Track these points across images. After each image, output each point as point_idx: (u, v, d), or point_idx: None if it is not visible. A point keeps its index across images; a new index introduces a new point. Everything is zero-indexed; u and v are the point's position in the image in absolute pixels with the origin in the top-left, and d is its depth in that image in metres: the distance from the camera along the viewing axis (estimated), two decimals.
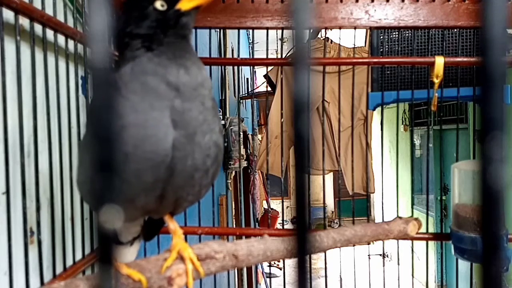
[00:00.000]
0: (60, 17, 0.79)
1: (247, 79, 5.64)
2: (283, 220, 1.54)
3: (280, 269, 5.62)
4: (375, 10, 1.18)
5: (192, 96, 0.55)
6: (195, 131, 0.55)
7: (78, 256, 0.84)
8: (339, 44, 1.76)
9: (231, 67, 3.24)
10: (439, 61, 1.14)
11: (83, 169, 0.58)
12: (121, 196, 0.54)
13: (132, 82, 0.53)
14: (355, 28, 1.22)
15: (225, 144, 2.94)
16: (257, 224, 5.17)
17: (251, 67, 4.07)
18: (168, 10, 0.56)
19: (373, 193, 2.48)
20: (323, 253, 1.18)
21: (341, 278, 1.87)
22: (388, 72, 1.59)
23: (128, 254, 0.73)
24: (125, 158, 0.52)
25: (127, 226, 0.70)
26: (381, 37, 1.76)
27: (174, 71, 0.54)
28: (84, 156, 0.59)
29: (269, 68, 2.34)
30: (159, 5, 0.56)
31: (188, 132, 0.54)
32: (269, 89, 2.47)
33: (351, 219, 1.31)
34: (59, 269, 0.76)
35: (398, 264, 1.50)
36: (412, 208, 1.37)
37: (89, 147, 0.57)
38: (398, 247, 1.28)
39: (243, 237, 1.16)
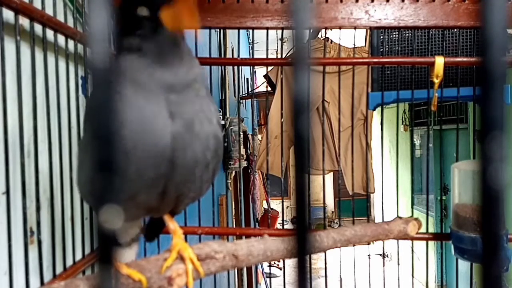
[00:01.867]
0: (60, 17, 0.79)
1: (247, 79, 5.64)
2: (283, 220, 1.54)
3: (280, 269, 5.62)
4: (375, 10, 1.18)
5: (185, 91, 0.55)
6: (193, 120, 0.55)
7: (78, 256, 0.84)
8: (339, 44, 1.76)
9: (231, 67, 3.24)
10: (439, 61, 1.14)
11: (83, 170, 0.58)
12: (122, 194, 0.54)
13: (124, 78, 0.53)
14: (355, 28, 1.22)
15: (225, 144, 2.94)
16: (257, 224, 5.17)
17: (251, 67, 4.07)
18: (150, 16, 0.54)
19: (373, 193, 2.49)
20: (323, 253, 1.18)
21: (341, 278, 1.87)
22: (388, 72, 1.59)
23: (125, 256, 0.72)
24: (126, 154, 0.52)
25: (126, 226, 0.70)
26: (381, 37, 1.75)
27: (161, 70, 0.54)
28: (84, 156, 0.59)
29: (269, 68, 2.35)
30: (144, 11, 0.54)
31: (186, 122, 0.54)
32: (269, 89, 2.47)
33: (351, 219, 1.31)
34: (59, 269, 0.76)
35: (398, 264, 1.50)
36: (412, 208, 1.37)
37: (88, 146, 0.57)
38: (398, 247, 1.28)
39: (243, 237, 1.16)
